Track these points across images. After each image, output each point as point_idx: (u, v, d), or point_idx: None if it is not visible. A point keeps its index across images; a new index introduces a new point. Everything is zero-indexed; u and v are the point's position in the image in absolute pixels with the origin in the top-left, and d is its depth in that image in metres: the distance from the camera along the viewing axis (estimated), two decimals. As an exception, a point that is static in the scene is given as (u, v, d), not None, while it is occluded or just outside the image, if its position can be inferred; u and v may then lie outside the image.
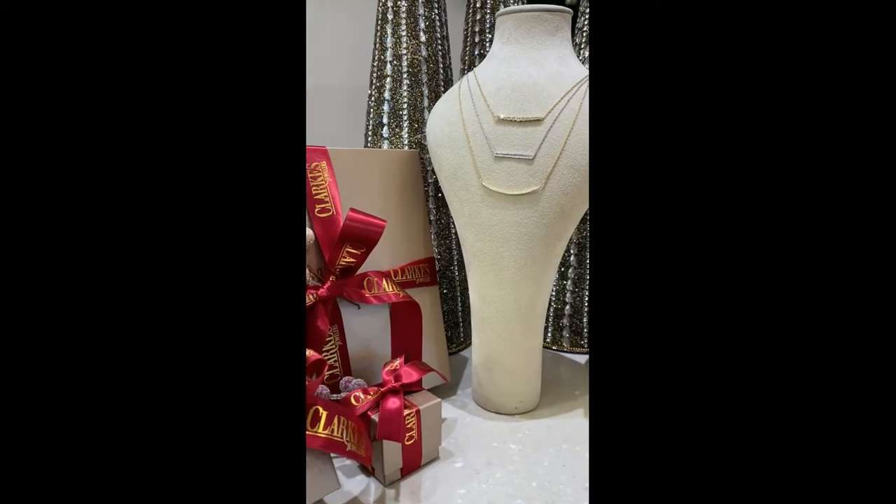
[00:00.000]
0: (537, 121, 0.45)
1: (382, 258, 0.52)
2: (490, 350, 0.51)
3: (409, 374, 0.44)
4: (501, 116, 0.45)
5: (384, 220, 0.46)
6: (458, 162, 0.48)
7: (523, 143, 0.45)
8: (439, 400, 0.44)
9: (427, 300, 0.55)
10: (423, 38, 0.60)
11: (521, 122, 0.45)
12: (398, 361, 0.46)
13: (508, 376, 0.52)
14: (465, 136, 0.47)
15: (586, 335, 0.68)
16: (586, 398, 0.57)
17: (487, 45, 0.69)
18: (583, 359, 0.68)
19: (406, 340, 0.51)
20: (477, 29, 0.70)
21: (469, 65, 0.71)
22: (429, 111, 0.62)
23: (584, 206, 0.47)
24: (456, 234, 0.65)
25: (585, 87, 0.46)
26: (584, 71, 0.47)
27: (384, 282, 0.48)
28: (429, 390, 0.47)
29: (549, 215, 0.46)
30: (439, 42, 0.63)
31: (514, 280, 0.48)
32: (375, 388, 0.43)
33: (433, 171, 0.59)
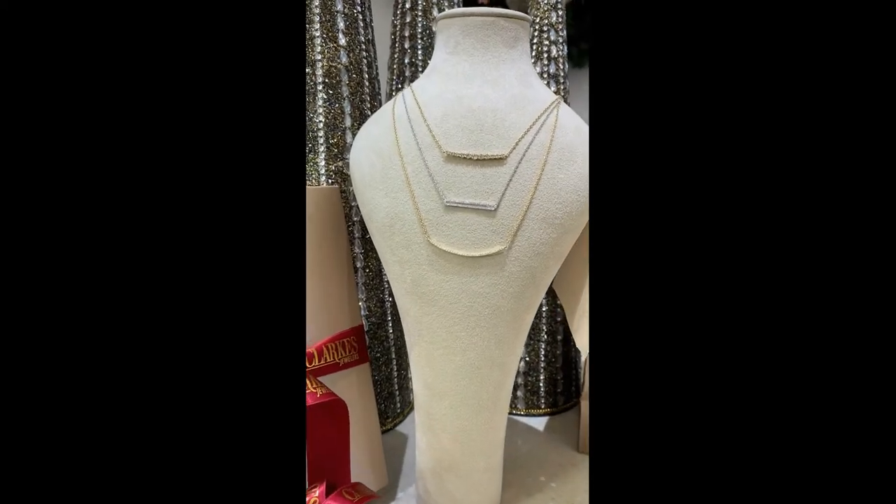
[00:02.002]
0: (499, 159, 0.34)
1: (292, 337, 0.38)
2: (441, 454, 0.40)
3: (334, 516, 0.31)
4: (452, 152, 0.34)
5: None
6: (395, 210, 0.36)
7: (482, 189, 0.34)
8: (377, 549, 0.32)
9: (355, 384, 0.42)
10: (342, 40, 0.47)
11: (477, 160, 0.34)
12: (317, 492, 0.33)
13: (464, 483, 0.40)
14: (403, 177, 0.35)
15: (544, 395, 0.59)
16: (554, 486, 0.47)
17: (419, 52, 0.58)
18: (541, 423, 0.59)
19: (327, 454, 0.37)
20: (406, 34, 0.58)
21: (398, 75, 0.59)
22: (352, 133, 0.49)
23: (556, 267, 0.37)
24: (389, 282, 0.52)
25: (555, 115, 0.36)
26: (550, 95, 0.37)
27: (295, 378, 0.35)
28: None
29: (516, 283, 0.35)
30: (363, 47, 0.50)
31: (473, 368, 0.36)
32: (283, 551, 0.29)
33: (359, 207, 0.46)
